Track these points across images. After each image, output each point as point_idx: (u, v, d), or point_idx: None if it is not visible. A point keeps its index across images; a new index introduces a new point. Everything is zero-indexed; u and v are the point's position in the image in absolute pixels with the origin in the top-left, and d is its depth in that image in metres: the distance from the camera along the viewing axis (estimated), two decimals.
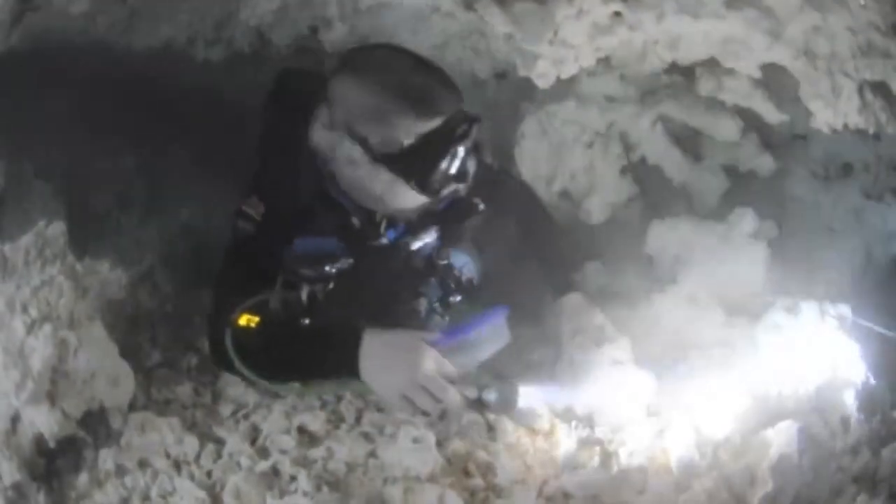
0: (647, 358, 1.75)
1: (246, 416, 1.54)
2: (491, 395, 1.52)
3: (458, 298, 1.81)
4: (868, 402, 1.58)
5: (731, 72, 1.87)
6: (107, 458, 1.46)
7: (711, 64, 1.84)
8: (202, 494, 1.38)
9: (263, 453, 1.46)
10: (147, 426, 1.49)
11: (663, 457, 1.54)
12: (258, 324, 1.61)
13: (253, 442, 1.49)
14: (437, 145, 1.58)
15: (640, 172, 2.28)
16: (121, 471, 1.44)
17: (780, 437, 1.45)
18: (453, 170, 1.60)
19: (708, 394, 1.68)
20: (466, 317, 1.69)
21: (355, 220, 1.70)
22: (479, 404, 1.53)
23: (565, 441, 1.57)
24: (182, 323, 1.83)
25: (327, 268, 1.68)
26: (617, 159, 2.26)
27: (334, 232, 1.72)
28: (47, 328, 1.45)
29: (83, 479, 1.43)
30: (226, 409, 1.56)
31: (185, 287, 1.90)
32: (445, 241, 1.79)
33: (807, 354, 1.67)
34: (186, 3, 1.85)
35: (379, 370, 1.52)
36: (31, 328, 1.46)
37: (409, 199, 1.62)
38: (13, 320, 1.47)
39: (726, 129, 2.08)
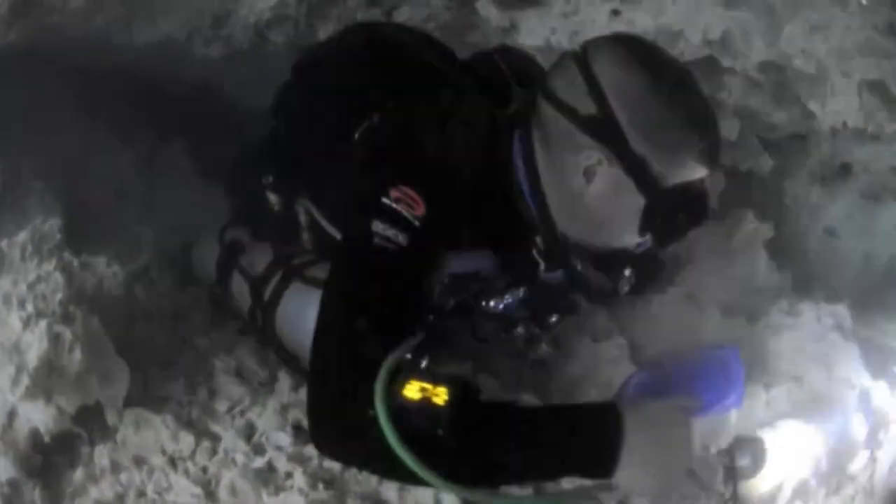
0: (647, 358, 1.75)
1: (241, 413, 1.53)
2: (745, 460, 1.22)
3: (556, 318, 1.53)
4: (866, 402, 1.58)
5: (729, 71, 1.87)
6: (102, 455, 1.45)
7: (710, 63, 1.84)
8: (198, 490, 1.38)
9: (259, 450, 1.46)
10: (142, 423, 1.49)
11: None
12: (449, 400, 1.08)
13: (248, 439, 1.48)
14: (698, 199, 1.28)
15: None
16: (116, 467, 1.44)
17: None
18: None
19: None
20: (717, 372, 1.37)
21: (539, 240, 1.33)
22: (731, 472, 1.22)
23: None
24: (178, 319, 1.81)
25: (494, 303, 1.34)
26: None
27: (501, 251, 1.33)
28: (43, 324, 1.45)
29: (79, 475, 1.43)
30: (221, 406, 1.55)
31: (181, 284, 1.89)
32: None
33: (805, 355, 1.67)
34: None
35: (644, 463, 1.11)
36: (27, 323, 1.46)
37: (626, 238, 1.31)
38: (9, 316, 1.48)
39: (725, 128, 2.07)
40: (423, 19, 1.85)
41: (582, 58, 1.25)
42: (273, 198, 1.63)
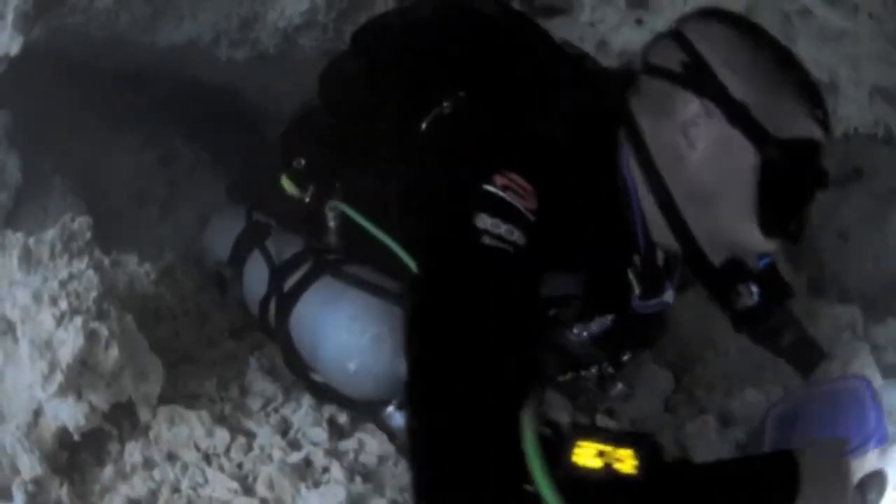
0: (664, 357, 1.79)
1: (276, 410, 1.54)
2: (872, 495, 1.16)
3: (628, 356, 1.35)
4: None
5: None
6: (134, 451, 1.45)
7: None
8: (234, 485, 1.38)
9: (295, 445, 1.46)
10: (176, 419, 1.49)
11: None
12: (640, 466, 0.88)
13: (284, 434, 1.49)
14: (817, 165, 1.10)
15: None
16: (149, 464, 1.44)
17: None
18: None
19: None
20: (853, 407, 1.31)
21: (637, 260, 1.15)
22: None
23: None
24: (203, 320, 1.82)
25: (577, 330, 1.17)
26: None
27: (593, 269, 1.12)
28: (78, 321, 1.44)
29: (108, 472, 1.42)
30: (255, 403, 1.56)
31: (205, 284, 1.89)
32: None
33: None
34: (212, 2, 1.86)
35: None
36: (60, 320, 1.46)
37: (745, 226, 1.10)
38: (40, 313, 1.47)
39: None
40: None
41: (673, 27, 1.16)
42: (302, 186, 1.44)
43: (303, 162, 1.45)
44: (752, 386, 1.69)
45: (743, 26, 1.13)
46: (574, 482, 0.86)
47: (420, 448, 0.94)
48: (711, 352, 1.81)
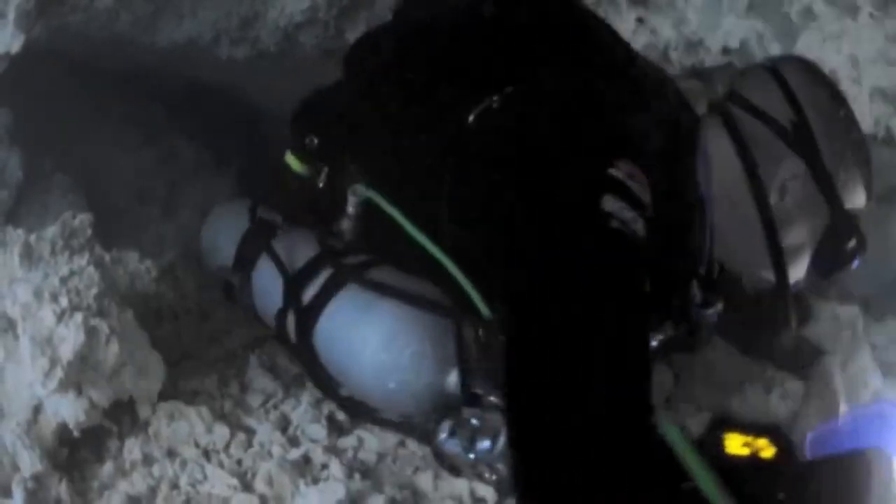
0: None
1: (275, 407, 1.54)
2: None
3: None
4: (877, 400, 1.62)
5: None
6: (133, 448, 1.45)
7: (728, 69, 1.90)
8: (234, 482, 1.38)
9: (294, 442, 1.46)
10: (176, 415, 1.49)
11: None
12: (780, 452, 0.89)
13: (283, 431, 1.49)
14: (861, 232, 1.25)
15: None
16: (148, 460, 1.44)
17: None
18: None
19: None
20: (882, 425, 1.26)
21: (703, 270, 1.19)
22: None
23: None
24: (203, 318, 1.82)
25: (655, 343, 1.16)
26: None
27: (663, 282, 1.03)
28: (78, 317, 1.45)
29: (107, 468, 1.42)
30: (255, 400, 1.56)
31: (206, 283, 1.89)
32: None
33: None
34: (212, 1, 1.87)
35: None
36: (60, 317, 1.46)
37: (796, 268, 1.21)
38: (41, 309, 1.47)
39: None
40: None
41: (771, 68, 1.21)
42: (313, 166, 1.34)
43: (315, 141, 1.35)
44: (751, 385, 1.69)
45: (839, 94, 1.23)
46: (726, 472, 0.82)
47: (555, 456, 0.82)
48: (711, 350, 1.80)
